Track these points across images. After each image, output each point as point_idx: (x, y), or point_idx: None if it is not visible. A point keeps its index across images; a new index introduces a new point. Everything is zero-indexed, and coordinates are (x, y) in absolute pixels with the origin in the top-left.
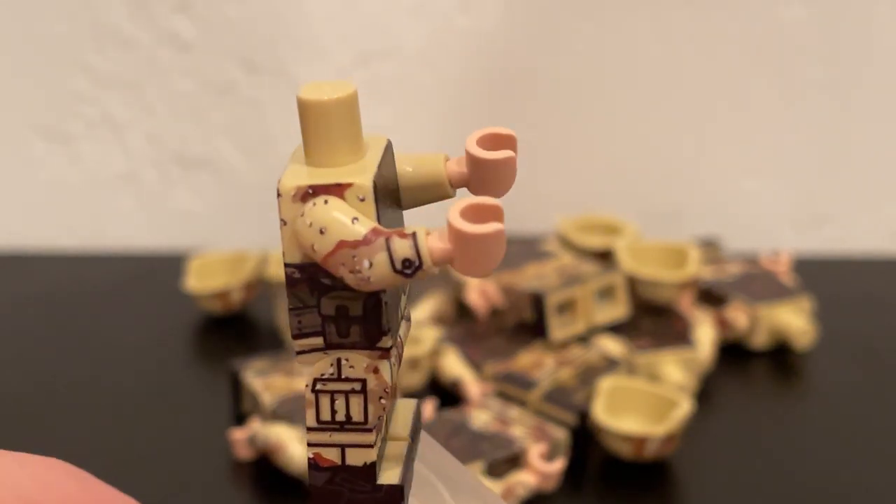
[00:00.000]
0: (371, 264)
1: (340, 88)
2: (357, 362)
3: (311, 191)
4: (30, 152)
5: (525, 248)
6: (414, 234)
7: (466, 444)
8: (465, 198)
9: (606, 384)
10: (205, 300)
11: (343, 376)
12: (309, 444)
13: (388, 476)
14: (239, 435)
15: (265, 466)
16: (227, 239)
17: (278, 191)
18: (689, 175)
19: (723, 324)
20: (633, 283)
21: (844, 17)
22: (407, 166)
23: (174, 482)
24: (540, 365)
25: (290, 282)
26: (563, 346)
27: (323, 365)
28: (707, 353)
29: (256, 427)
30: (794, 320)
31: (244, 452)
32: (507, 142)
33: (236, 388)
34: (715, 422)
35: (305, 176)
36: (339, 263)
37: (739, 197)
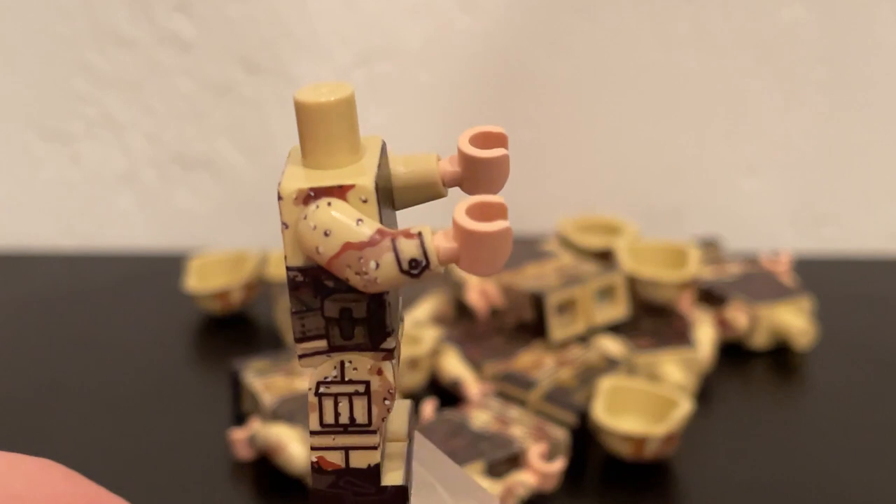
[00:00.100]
0: (378, 265)
1: (338, 90)
2: (360, 364)
3: (312, 193)
4: (30, 152)
5: (525, 248)
6: (420, 234)
7: (466, 444)
8: (470, 196)
9: (606, 384)
10: (205, 300)
11: (346, 378)
12: (312, 448)
13: (392, 477)
14: (239, 435)
15: (265, 466)
16: (227, 239)
17: (279, 194)
18: (689, 175)
19: (723, 324)
20: (633, 283)
21: (844, 17)
22: (400, 167)
23: (174, 482)
24: (540, 365)
25: (293, 285)
26: (563, 346)
27: (326, 368)
28: (707, 353)
29: (256, 427)
30: (794, 320)
31: (244, 452)
32: (498, 140)
33: (236, 388)
34: (715, 422)
35: (306, 178)
36: (345, 265)
37: (739, 197)
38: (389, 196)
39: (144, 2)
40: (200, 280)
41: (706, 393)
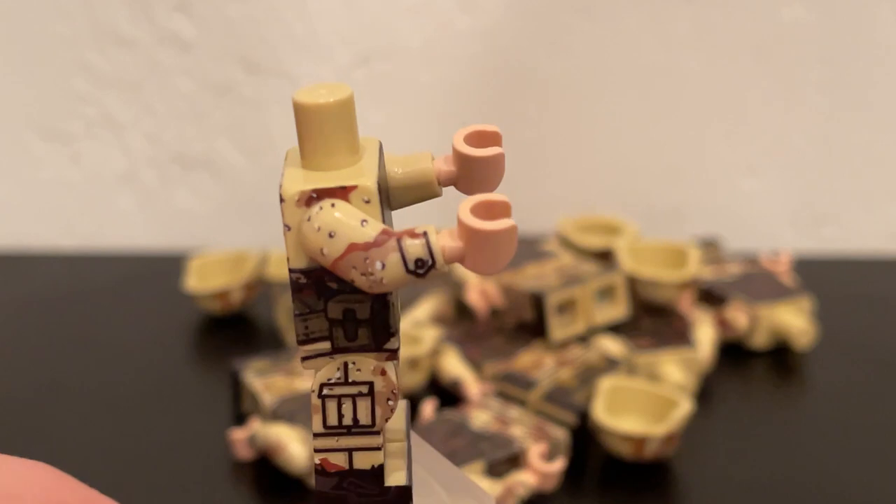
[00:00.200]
0: (384, 266)
1: (337, 91)
2: (364, 365)
3: (315, 195)
4: (30, 152)
5: (525, 248)
6: (425, 233)
7: (466, 444)
8: (474, 195)
9: (606, 384)
10: (205, 300)
11: (350, 380)
12: (316, 450)
13: (395, 478)
14: (239, 435)
15: (265, 466)
16: (227, 239)
17: (281, 196)
18: (689, 175)
19: (723, 324)
20: (633, 283)
21: (844, 17)
22: (395, 167)
23: (174, 482)
24: (540, 365)
25: (296, 287)
26: (563, 346)
27: (329, 370)
28: (707, 353)
29: (256, 427)
30: (794, 320)
31: (244, 452)
32: (492, 138)
33: (236, 388)
34: (715, 422)
35: (307, 180)
36: (351, 266)
37: (739, 197)
38: (387, 196)
39: (144, 2)
40: (200, 280)
41: (706, 393)
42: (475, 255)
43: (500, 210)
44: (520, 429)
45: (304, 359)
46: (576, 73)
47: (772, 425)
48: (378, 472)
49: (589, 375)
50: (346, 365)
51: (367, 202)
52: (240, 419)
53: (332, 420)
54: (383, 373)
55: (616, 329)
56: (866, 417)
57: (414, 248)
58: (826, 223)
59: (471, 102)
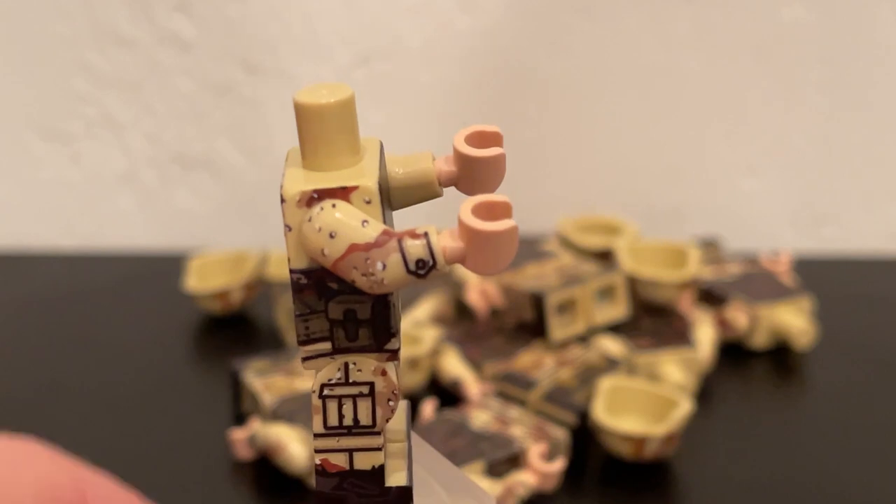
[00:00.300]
0: (385, 266)
1: (338, 91)
2: (365, 365)
3: (316, 195)
4: (30, 152)
5: (525, 248)
6: (426, 234)
7: (466, 444)
8: (475, 196)
9: (606, 384)
10: (205, 300)
11: (350, 380)
12: (316, 451)
13: (396, 478)
14: (239, 435)
15: (265, 466)
16: (227, 239)
17: (282, 196)
18: (689, 175)
19: (723, 324)
20: (633, 283)
21: (844, 17)
22: (396, 167)
23: (174, 482)
24: (540, 365)
25: (297, 288)
26: (563, 346)
27: (330, 370)
28: (707, 353)
29: (256, 427)
30: (794, 320)
31: (244, 452)
32: (493, 139)
33: (236, 388)
34: (715, 422)
35: (308, 180)
36: (351, 267)
37: (739, 197)
38: (387, 197)
39: (144, 2)
40: (200, 280)
41: (706, 393)
42: (476, 255)
43: (501, 210)
44: (520, 429)
45: (305, 359)
46: (576, 73)
47: (772, 425)
48: (379, 472)
49: (589, 375)
50: (346, 365)
51: (368, 202)
52: (240, 419)
53: (333, 420)
54: (384, 373)
55: (616, 329)
56: (866, 417)
57: (415, 248)
58: (826, 223)
59: (471, 102)
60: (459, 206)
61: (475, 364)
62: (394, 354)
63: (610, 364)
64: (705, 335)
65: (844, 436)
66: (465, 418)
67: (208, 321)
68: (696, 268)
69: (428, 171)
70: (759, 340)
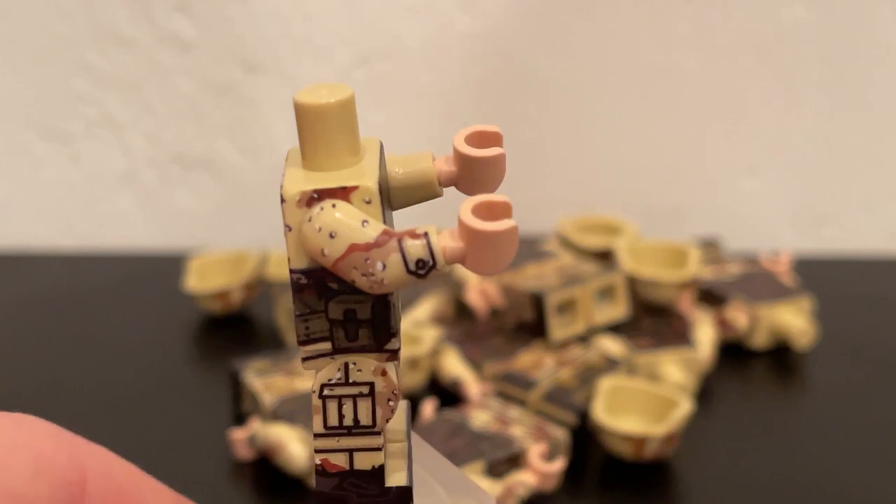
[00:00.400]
0: (384, 266)
1: (338, 91)
2: (365, 366)
3: (316, 195)
4: (30, 152)
5: (525, 248)
6: (426, 234)
7: (466, 444)
8: (475, 196)
9: (606, 384)
10: (205, 300)
11: (350, 380)
12: (316, 451)
13: (396, 478)
14: (239, 435)
15: (265, 466)
16: (227, 239)
17: (282, 196)
18: (689, 175)
19: (723, 324)
20: (633, 283)
21: (844, 17)
22: (396, 167)
23: (174, 482)
24: (540, 365)
25: (297, 288)
26: (563, 346)
27: (330, 370)
28: (707, 353)
29: (256, 427)
30: (794, 320)
31: (244, 452)
32: (493, 139)
33: (236, 388)
34: (715, 422)
35: (308, 180)
36: (351, 267)
37: (739, 197)
38: (387, 197)
39: (144, 2)
40: (200, 280)
41: (706, 393)
42: (476, 255)
43: (501, 210)
44: (520, 429)
45: (305, 359)
46: (576, 73)
47: (772, 425)
48: (379, 472)
49: (589, 375)
50: (346, 365)
51: (368, 203)
52: (240, 419)
53: (333, 420)
54: (384, 373)
55: (616, 329)
56: (866, 417)
57: (415, 248)
58: (826, 223)
59: (471, 102)
60: (459, 206)
61: (475, 364)
62: (394, 354)
63: (610, 364)
64: (705, 335)
65: (844, 436)
66: (465, 418)
67: (208, 321)
68: (696, 268)
69: (428, 171)
70: (759, 340)
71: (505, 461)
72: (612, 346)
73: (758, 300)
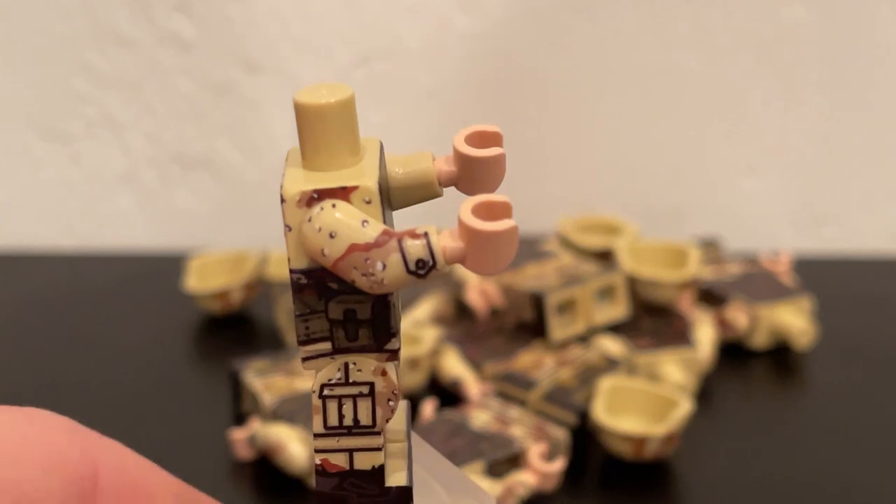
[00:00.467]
0: (384, 266)
1: (338, 91)
2: (365, 366)
3: (315, 195)
4: (30, 152)
5: (525, 248)
6: (426, 234)
7: (466, 444)
8: (475, 196)
9: (606, 384)
10: (205, 300)
11: (350, 380)
12: (316, 451)
13: (396, 478)
14: (239, 435)
15: (265, 466)
16: (227, 239)
17: (282, 196)
18: (689, 175)
19: (723, 324)
20: (633, 283)
21: (844, 17)
22: (396, 167)
23: None
24: (540, 365)
25: (297, 288)
26: (563, 346)
27: (330, 370)
28: (707, 353)
29: (256, 427)
30: (794, 320)
31: (244, 452)
32: (493, 139)
33: (236, 388)
34: (715, 422)
35: (308, 180)
36: (351, 267)
37: (739, 197)
38: (387, 197)
39: (144, 2)
40: (200, 280)
41: (706, 393)
42: (476, 255)
43: (501, 210)
44: (520, 429)
45: (305, 359)
46: (576, 73)
47: (772, 425)
48: (379, 472)
49: (589, 375)
50: (346, 365)
51: (368, 203)
52: (240, 419)
53: (333, 420)
54: (384, 373)
55: (616, 329)
56: (866, 417)
57: (415, 248)
58: (826, 223)
59: (470, 102)
60: (459, 206)
61: (475, 364)
62: (394, 354)
63: (610, 364)
64: (705, 335)
65: (844, 436)
66: (465, 418)
67: (208, 321)
68: (696, 268)
69: (428, 171)
70: (759, 340)
71: (505, 461)
72: (612, 346)
73: (758, 300)
